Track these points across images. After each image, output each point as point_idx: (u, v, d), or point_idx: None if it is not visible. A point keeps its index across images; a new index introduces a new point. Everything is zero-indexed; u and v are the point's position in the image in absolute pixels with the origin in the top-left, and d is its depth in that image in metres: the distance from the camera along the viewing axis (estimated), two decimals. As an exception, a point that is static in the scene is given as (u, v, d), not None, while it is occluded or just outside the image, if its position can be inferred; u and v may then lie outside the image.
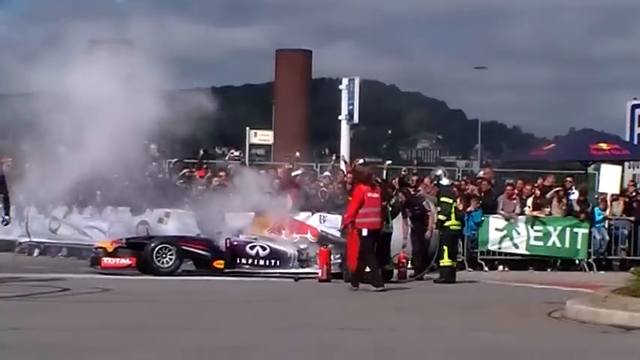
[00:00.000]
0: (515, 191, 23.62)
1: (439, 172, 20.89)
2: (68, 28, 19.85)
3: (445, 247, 19.25)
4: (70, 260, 22.93)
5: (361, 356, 9.33)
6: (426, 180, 21.82)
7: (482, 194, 23.38)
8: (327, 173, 24.62)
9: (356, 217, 16.98)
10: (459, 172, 32.17)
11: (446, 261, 19.22)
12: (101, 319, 11.89)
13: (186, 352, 9.25)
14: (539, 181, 24.50)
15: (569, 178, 24.58)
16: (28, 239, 24.68)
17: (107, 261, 19.73)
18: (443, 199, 19.62)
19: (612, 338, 11.03)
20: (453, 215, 19.39)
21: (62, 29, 20.33)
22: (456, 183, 23.34)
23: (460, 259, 21.56)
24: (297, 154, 25.88)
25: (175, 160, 24.64)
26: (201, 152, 24.92)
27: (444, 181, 20.09)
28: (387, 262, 19.33)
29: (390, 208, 19.13)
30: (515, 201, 23.34)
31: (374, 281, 16.82)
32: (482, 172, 24.95)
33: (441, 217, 19.39)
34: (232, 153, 26.79)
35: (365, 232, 16.90)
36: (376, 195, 17.23)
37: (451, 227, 19.41)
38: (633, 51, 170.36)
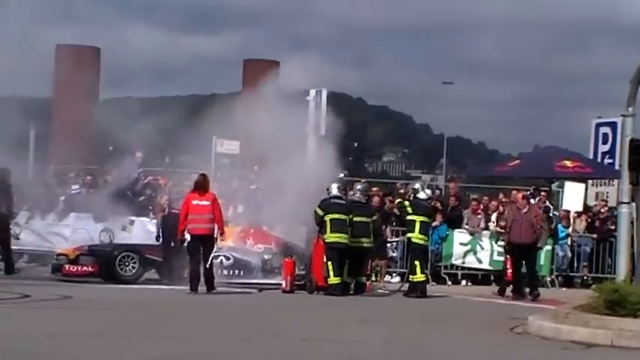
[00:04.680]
0: (481, 206, 23.72)
1: (417, 185, 20.87)
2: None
3: (416, 262, 19.17)
4: (32, 266, 22.70)
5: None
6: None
7: (450, 209, 23.49)
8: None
9: (186, 223, 17.73)
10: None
11: (418, 276, 19.14)
12: (62, 327, 11.75)
13: (147, 361, 9.18)
14: (500, 196, 24.67)
15: (543, 193, 24.63)
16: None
17: (69, 268, 19.57)
18: (405, 203, 19.68)
19: (573, 355, 11.08)
20: (416, 228, 19.31)
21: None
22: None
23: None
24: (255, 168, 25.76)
25: (140, 169, 24.58)
26: (167, 160, 24.85)
27: (421, 195, 19.97)
28: (362, 275, 19.33)
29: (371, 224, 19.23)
30: (479, 216, 23.44)
31: (190, 284, 17.47)
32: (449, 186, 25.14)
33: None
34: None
35: (188, 237, 17.72)
36: (204, 202, 17.80)
37: (413, 239, 19.33)
38: (598, 68, 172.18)
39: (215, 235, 17.81)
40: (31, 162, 25.06)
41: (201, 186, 17.98)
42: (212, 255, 17.87)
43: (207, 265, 17.73)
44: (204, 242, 17.74)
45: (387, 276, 22.68)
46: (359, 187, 19.86)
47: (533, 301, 18.63)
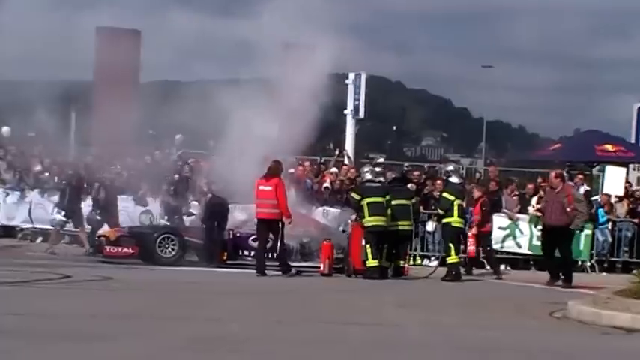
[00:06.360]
0: (515, 188, 23.70)
1: (450, 167, 20.90)
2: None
3: (451, 244, 19.20)
4: (73, 247, 22.94)
5: (360, 350, 9.31)
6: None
7: (489, 193, 23.37)
8: (334, 170, 24.62)
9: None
10: (462, 169, 32.14)
11: (453, 258, 19.17)
12: (101, 307, 11.88)
13: (184, 342, 9.24)
14: (539, 180, 24.50)
15: (580, 176, 24.42)
16: (30, 226, 24.67)
17: (109, 249, 19.77)
18: (445, 194, 19.65)
19: (613, 339, 11.00)
20: (455, 212, 19.30)
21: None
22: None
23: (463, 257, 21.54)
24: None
25: (180, 151, 24.71)
26: (211, 144, 24.90)
27: (454, 179, 19.99)
28: (401, 259, 19.32)
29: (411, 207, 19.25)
30: (515, 198, 23.34)
31: (256, 268, 18.06)
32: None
33: (440, 211, 19.51)
34: None
35: (256, 222, 18.27)
36: (268, 188, 18.10)
37: (453, 224, 19.34)
38: (639, 53, 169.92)
39: (282, 220, 18.00)
40: (72, 145, 25.26)
41: (270, 172, 18.25)
42: (279, 239, 18.08)
43: (278, 250, 18.06)
44: (270, 227, 18.07)
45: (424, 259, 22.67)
46: (366, 169, 19.85)
47: (565, 287, 17.76)
